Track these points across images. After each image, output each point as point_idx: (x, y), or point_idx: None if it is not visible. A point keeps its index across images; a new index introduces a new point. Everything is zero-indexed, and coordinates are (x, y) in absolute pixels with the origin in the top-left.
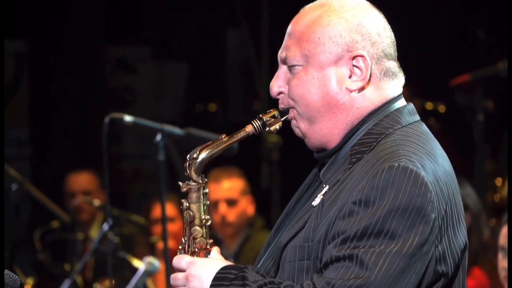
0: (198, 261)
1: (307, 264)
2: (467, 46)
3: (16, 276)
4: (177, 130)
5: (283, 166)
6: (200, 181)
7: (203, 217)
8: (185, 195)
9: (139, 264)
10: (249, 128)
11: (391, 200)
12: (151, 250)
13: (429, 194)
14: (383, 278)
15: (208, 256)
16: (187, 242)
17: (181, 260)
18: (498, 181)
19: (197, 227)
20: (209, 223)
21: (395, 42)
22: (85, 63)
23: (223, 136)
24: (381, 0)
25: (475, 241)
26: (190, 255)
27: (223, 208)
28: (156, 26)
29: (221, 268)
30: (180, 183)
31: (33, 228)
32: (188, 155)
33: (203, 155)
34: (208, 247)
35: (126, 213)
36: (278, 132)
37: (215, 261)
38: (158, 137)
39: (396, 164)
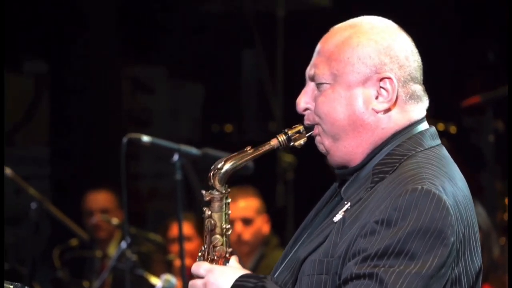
0: (217, 268)
1: (325, 278)
2: (477, 68)
3: None
4: (193, 150)
5: (297, 185)
6: (223, 191)
7: (224, 226)
8: (208, 204)
9: (157, 282)
10: (274, 142)
11: (413, 221)
12: (168, 268)
13: (449, 218)
14: None
15: (227, 264)
16: (206, 250)
17: (199, 267)
18: (507, 201)
19: (217, 236)
20: (229, 232)
21: (421, 66)
22: (102, 84)
23: (248, 148)
24: (394, 21)
25: (485, 259)
26: (209, 262)
27: (238, 227)
28: (172, 47)
29: (240, 276)
30: (203, 192)
31: (52, 246)
32: (213, 165)
33: (228, 165)
34: (227, 255)
35: (143, 231)
36: (292, 151)
37: (234, 269)
38: (175, 157)
39: (420, 187)
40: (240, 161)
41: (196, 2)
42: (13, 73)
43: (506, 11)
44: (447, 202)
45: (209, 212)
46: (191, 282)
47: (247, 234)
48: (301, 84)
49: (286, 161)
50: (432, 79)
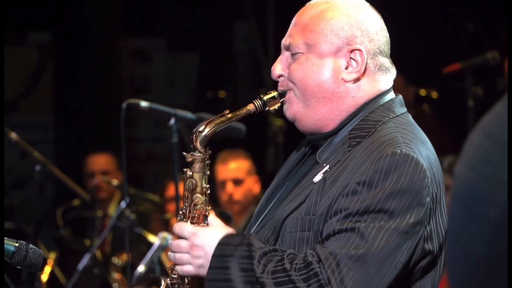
0: (201, 230)
1: (307, 235)
2: (458, 38)
3: (40, 250)
4: (189, 115)
5: (287, 148)
6: (205, 153)
7: (204, 185)
8: (189, 165)
9: (154, 239)
10: (250, 107)
11: (393, 183)
12: (165, 226)
13: (426, 180)
14: (380, 251)
15: (206, 222)
16: (188, 208)
17: (183, 229)
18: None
19: (198, 195)
20: (208, 191)
21: (389, 41)
22: (104, 54)
23: (226, 112)
24: None
25: None
26: (190, 220)
27: (230, 187)
28: (170, 20)
29: (225, 236)
30: (185, 154)
31: (55, 206)
32: (195, 129)
33: (208, 129)
34: (207, 213)
35: (142, 192)
36: (283, 116)
37: (218, 228)
38: (172, 121)
39: (399, 150)
40: (220, 125)
41: None
42: (18, 43)
43: None
44: (424, 165)
45: (190, 173)
46: (174, 242)
47: (238, 194)
48: None
49: (277, 125)
50: (415, 48)
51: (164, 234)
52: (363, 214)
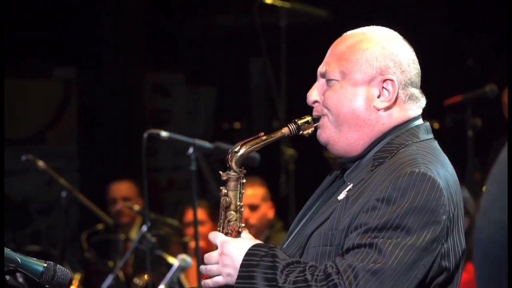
0: (231, 240)
1: (329, 249)
2: (458, 72)
3: (67, 270)
4: (207, 144)
5: (298, 175)
6: (239, 172)
7: (238, 203)
8: (224, 183)
9: (174, 261)
10: (285, 130)
11: (410, 200)
12: (184, 249)
13: (442, 198)
14: (397, 266)
15: (240, 236)
16: (222, 225)
17: (216, 237)
18: (485, 189)
19: (232, 212)
20: (242, 209)
21: (420, 73)
22: (127, 88)
23: (261, 135)
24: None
25: (471, 241)
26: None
27: (245, 212)
28: (189, 56)
29: (253, 246)
30: (221, 172)
31: (80, 230)
32: (231, 149)
33: (243, 149)
34: (240, 230)
35: (162, 216)
36: (294, 146)
37: (247, 240)
38: (190, 150)
39: (417, 170)
40: (254, 146)
41: (211, 16)
42: (44, 79)
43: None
44: (441, 185)
45: (225, 191)
46: (207, 255)
47: (253, 219)
48: (302, 87)
49: (288, 154)
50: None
51: (183, 256)
52: (382, 230)
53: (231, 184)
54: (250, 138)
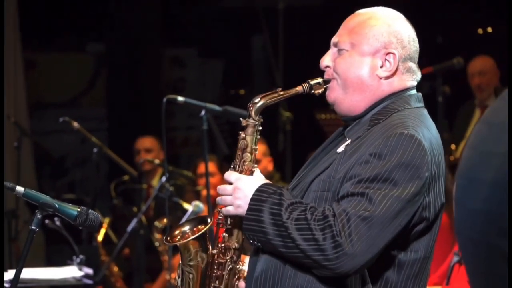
0: (244, 177)
1: (326, 194)
2: (430, 47)
3: (97, 214)
4: (216, 107)
5: (294, 135)
6: (257, 120)
7: (253, 147)
8: (243, 129)
9: (188, 207)
10: (299, 88)
11: (398, 157)
12: (197, 196)
13: (426, 158)
14: (384, 214)
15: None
16: (238, 164)
17: (231, 175)
18: (453, 147)
19: (248, 153)
20: (257, 152)
21: (418, 50)
22: (148, 60)
23: (279, 90)
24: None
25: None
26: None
27: None
28: (201, 33)
29: (263, 184)
30: (241, 119)
31: (109, 181)
32: (251, 100)
33: (263, 101)
34: (253, 169)
35: (178, 169)
36: (290, 109)
37: (258, 178)
38: (202, 112)
39: (406, 131)
40: (272, 99)
41: (218, 0)
42: (78, 53)
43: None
44: (425, 146)
45: (244, 135)
46: (221, 187)
47: None
48: (297, 60)
49: (285, 116)
50: None
51: (196, 202)
52: (372, 181)
53: (249, 130)
54: (269, 92)
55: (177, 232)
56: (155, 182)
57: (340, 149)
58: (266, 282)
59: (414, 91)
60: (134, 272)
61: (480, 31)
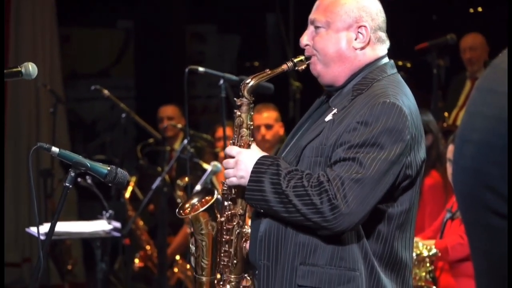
0: (244, 151)
1: (319, 160)
2: (426, 24)
3: (125, 172)
4: (233, 77)
5: (302, 102)
6: (250, 98)
7: (249, 122)
8: (238, 107)
9: (207, 167)
10: (284, 66)
11: (383, 123)
12: (215, 157)
13: (407, 122)
14: (374, 175)
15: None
16: (236, 139)
17: (232, 149)
18: (446, 114)
19: (244, 129)
20: (252, 127)
21: (385, 20)
22: (172, 35)
23: (267, 70)
24: None
25: (434, 154)
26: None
27: (263, 130)
28: (220, 11)
29: (261, 157)
30: (235, 99)
31: (136, 143)
32: (243, 81)
33: (253, 81)
34: (250, 143)
35: (198, 133)
36: (299, 80)
37: (256, 151)
38: (221, 81)
39: (388, 100)
40: (262, 78)
41: None
42: (109, 28)
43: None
44: (406, 112)
45: (239, 113)
46: (225, 161)
47: (269, 135)
48: None
49: (295, 85)
50: (394, 32)
51: (214, 163)
52: (362, 147)
53: (244, 108)
54: (259, 73)
55: (187, 205)
56: (177, 145)
57: (328, 117)
58: (270, 240)
59: (386, 59)
60: (158, 226)
61: (471, 10)
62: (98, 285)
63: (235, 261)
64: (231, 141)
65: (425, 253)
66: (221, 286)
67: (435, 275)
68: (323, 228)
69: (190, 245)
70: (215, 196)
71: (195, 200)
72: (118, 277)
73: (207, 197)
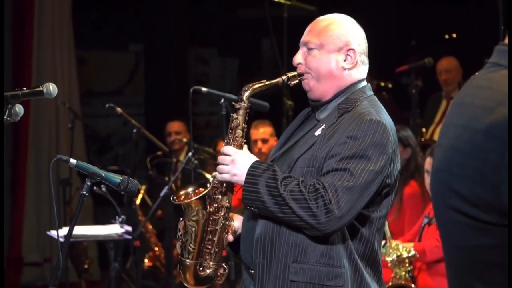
0: (240, 152)
1: (311, 170)
2: (406, 49)
3: (136, 182)
4: (233, 96)
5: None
6: (247, 103)
7: (243, 125)
8: (236, 111)
9: (209, 177)
10: (279, 79)
11: (370, 138)
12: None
13: (390, 138)
14: (362, 183)
15: (242, 149)
16: (231, 139)
17: (229, 148)
18: (424, 130)
19: (239, 130)
20: (246, 129)
21: (367, 46)
22: (178, 58)
23: (264, 80)
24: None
25: (413, 165)
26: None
27: (259, 144)
28: (220, 36)
29: (256, 161)
30: (234, 103)
31: (146, 155)
32: (243, 87)
33: (252, 88)
34: (243, 144)
35: (201, 146)
36: (292, 99)
37: (251, 155)
38: (222, 100)
39: (374, 118)
40: (260, 87)
41: (235, 10)
42: (121, 51)
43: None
44: (388, 128)
45: (236, 116)
46: (221, 157)
47: (265, 148)
48: None
49: (288, 104)
50: (377, 56)
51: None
52: (352, 158)
53: (241, 111)
54: (257, 82)
55: (181, 192)
56: (182, 157)
57: (318, 132)
58: (266, 241)
59: (365, 82)
60: (165, 230)
61: (446, 36)
62: (112, 283)
63: (216, 249)
64: (225, 141)
65: (405, 255)
66: (201, 270)
67: (414, 275)
68: (315, 229)
69: (177, 231)
70: (208, 188)
71: (189, 190)
72: (129, 275)
73: (200, 188)
